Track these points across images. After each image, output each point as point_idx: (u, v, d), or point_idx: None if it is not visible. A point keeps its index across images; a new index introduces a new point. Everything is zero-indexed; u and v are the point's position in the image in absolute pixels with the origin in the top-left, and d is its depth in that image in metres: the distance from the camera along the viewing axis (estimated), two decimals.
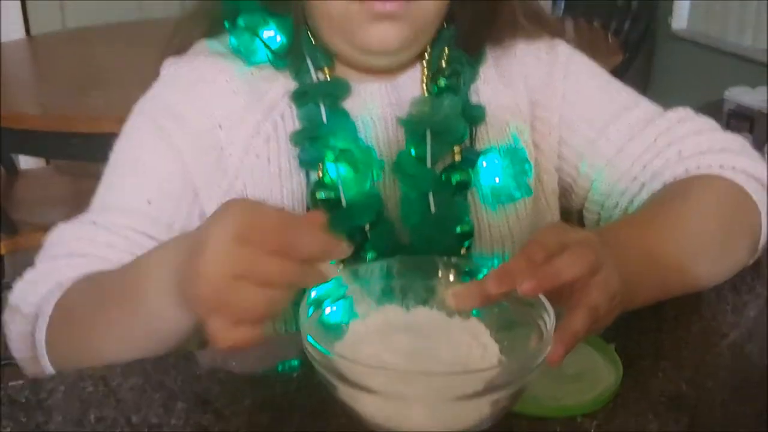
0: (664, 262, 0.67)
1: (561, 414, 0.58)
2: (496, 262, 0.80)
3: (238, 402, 0.60)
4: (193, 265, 0.52)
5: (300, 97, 0.79)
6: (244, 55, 0.80)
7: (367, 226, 0.77)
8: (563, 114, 0.84)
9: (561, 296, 0.54)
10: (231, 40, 0.81)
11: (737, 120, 2.60)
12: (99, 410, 0.59)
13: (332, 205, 0.77)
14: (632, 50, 2.68)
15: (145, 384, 0.62)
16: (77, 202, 2.22)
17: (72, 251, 0.74)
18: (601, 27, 2.79)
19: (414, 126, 0.80)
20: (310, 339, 0.49)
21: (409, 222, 0.79)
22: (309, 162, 0.78)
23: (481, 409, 0.49)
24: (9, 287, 1.91)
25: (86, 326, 0.68)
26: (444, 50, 0.82)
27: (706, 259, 0.71)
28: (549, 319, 0.52)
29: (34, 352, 0.70)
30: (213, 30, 0.84)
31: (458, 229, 0.79)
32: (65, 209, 2.00)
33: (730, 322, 0.72)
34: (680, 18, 3.10)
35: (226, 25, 0.82)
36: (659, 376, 0.62)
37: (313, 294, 0.54)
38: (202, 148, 0.78)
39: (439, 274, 0.59)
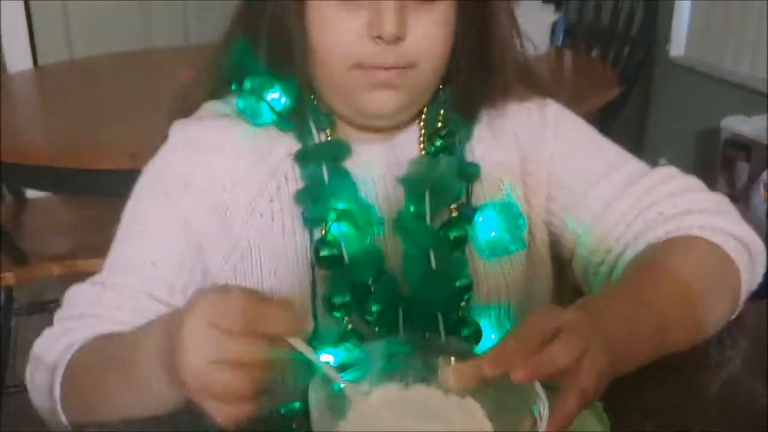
0: (647, 332, 0.70)
1: None
2: (493, 313, 0.85)
3: None
4: (174, 353, 0.57)
5: (303, 158, 0.83)
6: (249, 117, 0.84)
7: (371, 280, 0.81)
8: (552, 172, 0.88)
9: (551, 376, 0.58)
10: (237, 102, 0.85)
11: (734, 149, 2.64)
12: None
13: (335, 262, 0.81)
14: (630, 78, 2.72)
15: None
16: (84, 230, 2.26)
17: (83, 313, 0.79)
18: (600, 57, 2.84)
19: (413, 185, 0.84)
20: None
21: (410, 277, 0.83)
22: (312, 220, 0.82)
23: None
24: (20, 313, 1.94)
25: (90, 387, 0.73)
26: (440, 112, 0.87)
27: (688, 320, 0.75)
28: (543, 407, 0.55)
29: (52, 405, 0.75)
30: (220, 91, 0.88)
31: (457, 283, 0.82)
32: (73, 238, 2.05)
33: (715, 378, 0.75)
34: (678, 45, 3.15)
35: (233, 87, 0.86)
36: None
37: (323, 369, 0.58)
38: (206, 210, 0.82)
39: (439, 353, 0.62)
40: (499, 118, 0.89)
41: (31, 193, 2.33)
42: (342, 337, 0.81)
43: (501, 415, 0.59)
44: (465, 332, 0.82)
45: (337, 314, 0.80)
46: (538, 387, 0.57)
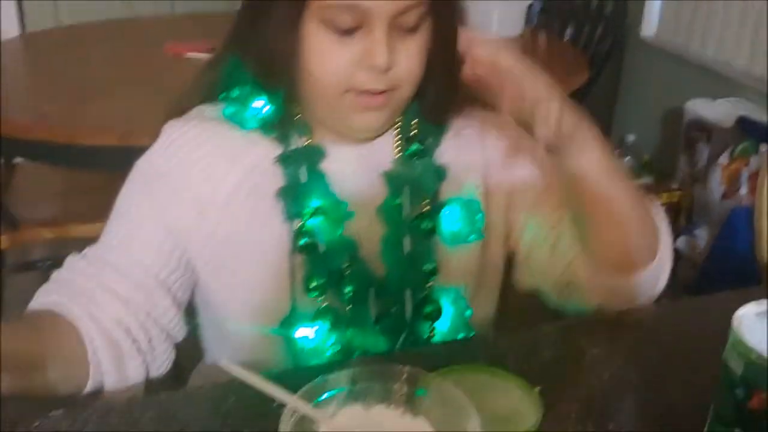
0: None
1: None
2: (452, 294, 0.99)
3: None
4: None
5: (285, 160, 0.95)
6: (237, 123, 0.96)
7: (345, 265, 0.94)
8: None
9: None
10: (225, 109, 0.96)
11: (696, 130, 2.76)
12: None
13: (312, 249, 0.94)
14: (601, 61, 2.82)
15: (161, 416, 0.77)
16: (73, 197, 2.34)
17: (60, 277, 0.93)
18: (572, 38, 2.94)
19: (394, 181, 0.97)
20: None
21: (386, 259, 0.96)
22: (292, 214, 0.94)
23: None
24: (8, 273, 2.03)
25: None
26: (413, 121, 0.99)
27: (628, 208, 0.91)
28: (476, 422, 0.66)
29: None
30: (211, 98, 0.99)
31: (425, 267, 0.96)
32: (62, 204, 2.13)
33: (637, 372, 0.88)
34: (650, 26, 3.22)
35: (221, 96, 0.97)
36: (572, 416, 0.79)
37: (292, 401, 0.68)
38: (184, 203, 0.94)
39: (395, 378, 0.73)
40: (465, 126, 1.02)
41: (18, 159, 2.40)
42: (317, 315, 0.94)
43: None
44: (428, 309, 0.97)
45: (313, 295, 0.93)
46: (471, 407, 0.68)
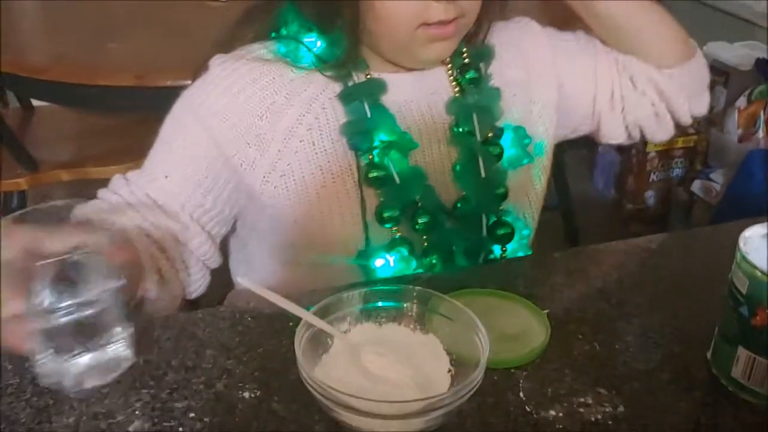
0: None
1: (498, 366, 0.75)
2: (512, 217, 1.02)
3: (254, 350, 0.78)
4: None
5: (347, 95, 0.96)
6: (291, 60, 0.96)
7: (418, 196, 0.96)
8: (558, 71, 1.07)
9: None
10: (279, 47, 0.97)
11: (714, 74, 2.74)
12: (144, 356, 0.76)
13: (383, 182, 0.95)
14: None
15: (180, 335, 0.79)
16: (91, 138, 2.35)
17: (103, 195, 0.94)
18: None
19: (462, 108, 0.99)
20: (299, 360, 0.66)
21: (463, 186, 0.99)
22: (358, 148, 0.95)
23: (428, 422, 0.65)
24: None
25: None
26: (462, 49, 1.01)
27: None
28: (485, 342, 0.68)
29: None
30: (261, 36, 1.00)
31: (497, 191, 0.99)
32: (80, 146, 2.15)
33: (645, 296, 0.89)
34: None
35: (273, 34, 0.98)
36: (579, 338, 0.80)
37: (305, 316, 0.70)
38: (241, 137, 0.94)
39: (407, 298, 0.76)
40: (503, 40, 1.05)
41: (36, 101, 2.42)
42: (391, 245, 0.95)
43: (456, 347, 0.73)
44: (501, 231, 1.00)
45: (388, 225, 0.95)
46: (479, 324, 0.70)
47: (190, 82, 0.98)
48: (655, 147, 2.73)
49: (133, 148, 2.08)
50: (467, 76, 1.00)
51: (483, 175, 0.98)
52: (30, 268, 0.66)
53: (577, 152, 3.08)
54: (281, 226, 0.99)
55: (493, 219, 0.99)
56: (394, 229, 0.95)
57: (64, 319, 0.68)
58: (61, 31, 2.05)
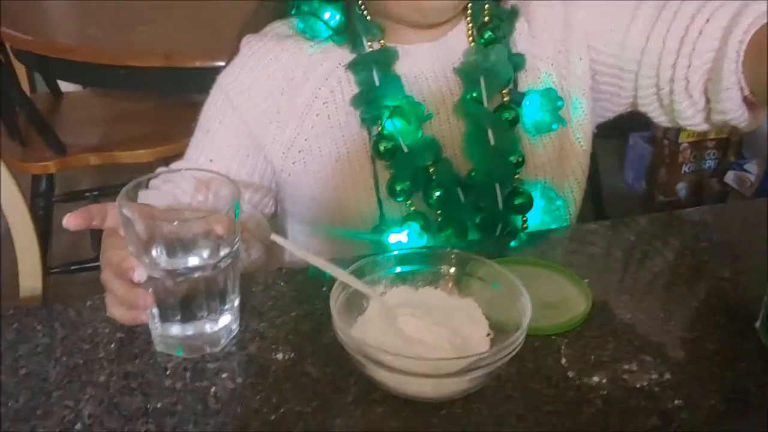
0: None
1: (538, 333, 0.73)
2: (539, 186, 0.97)
3: (287, 314, 0.76)
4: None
5: (355, 65, 0.94)
6: (309, 34, 0.96)
7: (430, 166, 0.93)
8: (588, 36, 0.97)
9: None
10: (297, 23, 0.97)
11: None
12: None
13: (393, 153, 0.93)
14: None
15: None
16: (118, 123, 2.36)
17: (153, 185, 0.91)
18: None
19: (469, 73, 0.95)
20: (334, 320, 0.64)
21: (472, 154, 0.94)
22: (369, 120, 0.93)
23: (466, 382, 0.63)
24: (58, 201, 2.06)
25: None
26: (485, 6, 0.97)
27: None
28: (527, 306, 0.66)
29: None
30: (283, 14, 1.00)
31: (511, 158, 0.94)
32: (107, 131, 2.15)
33: (684, 269, 0.86)
34: None
35: (293, 11, 0.98)
36: (620, 307, 0.78)
37: (341, 276, 0.69)
38: (264, 113, 0.94)
39: (443, 261, 0.74)
40: (529, 11, 0.99)
41: (65, 87, 2.43)
42: (406, 219, 0.93)
43: (495, 311, 0.70)
44: (518, 201, 0.95)
45: (400, 199, 0.93)
46: (521, 286, 0.68)
47: (218, 63, 0.99)
48: (687, 138, 2.69)
49: (159, 133, 2.09)
50: (484, 37, 0.96)
51: (492, 143, 0.94)
52: (150, 235, 0.66)
53: (607, 144, 3.04)
54: (300, 203, 0.99)
55: (508, 189, 0.95)
56: (408, 203, 0.93)
57: (181, 286, 0.68)
58: (91, 13, 2.06)
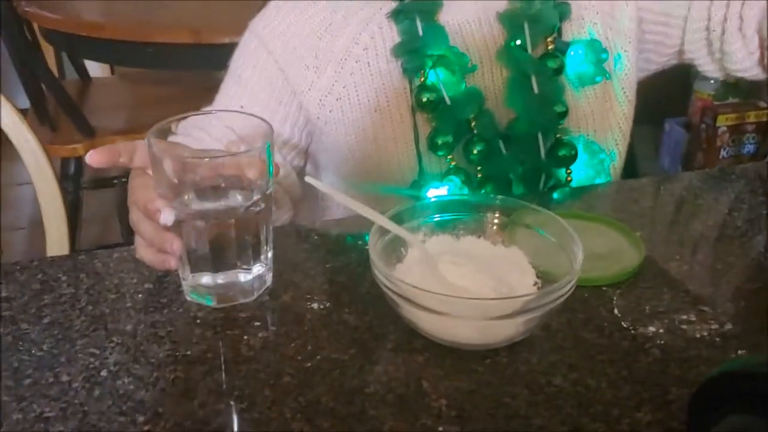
0: None
1: (589, 284, 0.69)
2: (582, 139, 0.93)
3: (321, 265, 0.72)
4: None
5: (398, 14, 0.90)
6: None
7: (471, 119, 0.89)
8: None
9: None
10: None
11: None
12: None
13: (436, 105, 0.89)
14: None
15: None
16: (145, 107, 2.34)
17: (183, 131, 0.87)
18: None
19: (513, 20, 0.91)
20: (374, 262, 0.60)
21: (514, 104, 0.90)
22: (411, 70, 0.89)
23: (517, 326, 0.59)
24: (86, 187, 2.02)
25: None
26: None
27: None
28: (578, 251, 0.61)
29: None
30: None
31: (555, 108, 0.90)
32: (134, 115, 2.14)
33: (741, 222, 0.82)
34: None
35: None
36: (676, 258, 0.73)
37: (380, 221, 0.64)
38: (301, 57, 0.90)
39: (487, 209, 0.70)
40: None
41: (93, 72, 2.42)
42: (446, 174, 0.89)
43: (541, 262, 0.66)
44: (562, 152, 0.90)
45: (441, 153, 0.89)
46: (572, 232, 0.63)
47: None
48: (725, 122, 2.62)
49: None
50: None
51: (536, 91, 0.90)
52: (180, 176, 0.63)
53: (641, 130, 2.97)
54: (336, 155, 0.95)
55: (553, 140, 0.91)
56: (448, 158, 0.89)
57: (212, 231, 0.64)
58: None
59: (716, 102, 2.74)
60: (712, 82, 2.83)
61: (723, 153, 2.69)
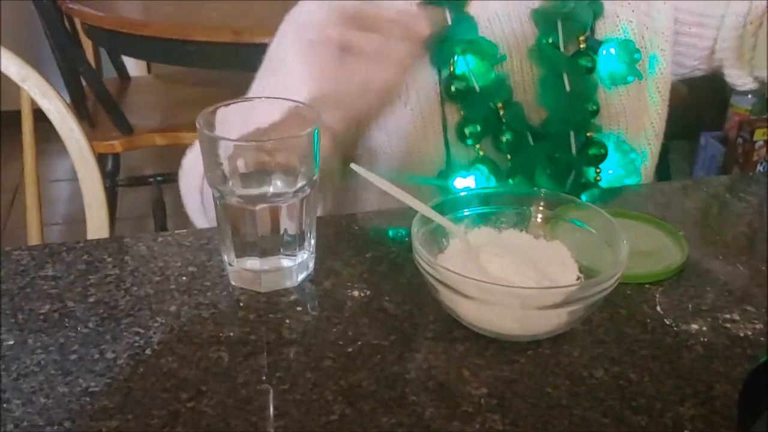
0: None
1: (632, 281, 0.68)
2: (612, 137, 0.92)
3: (362, 254, 0.73)
4: None
5: (430, 2, 0.90)
6: None
7: (501, 111, 0.89)
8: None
9: None
10: None
11: None
12: None
13: (465, 94, 0.89)
14: None
15: None
16: (180, 106, 2.37)
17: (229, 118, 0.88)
18: None
19: (546, 17, 0.91)
20: (417, 249, 0.60)
21: (546, 102, 0.90)
22: (440, 60, 0.89)
23: (558, 318, 0.59)
24: (122, 185, 2.04)
25: None
26: None
27: None
28: (624, 246, 0.61)
29: (205, 218, 0.86)
30: None
31: (587, 106, 0.90)
32: (172, 114, 2.16)
33: None
34: None
35: None
36: (720, 258, 0.73)
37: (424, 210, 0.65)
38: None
39: (530, 202, 0.69)
40: None
41: (132, 71, 2.45)
42: (473, 164, 0.89)
43: (585, 257, 0.65)
44: (592, 151, 0.90)
45: (470, 142, 0.89)
46: (618, 227, 0.63)
47: None
48: (762, 136, 2.59)
49: None
50: None
51: (568, 89, 0.90)
52: (228, 158, 0.64)
53: (676, 145, 2.95)
54: (366, 144, 0.95)
55: (583, 138, 0.90)
56: (476, 147, 0.89)
57: (258, 215, 0.65)
58: None
59: (753, 116, 2.71)
60: (749, 97, 2.81)
61: (760, 167, 2.66)
